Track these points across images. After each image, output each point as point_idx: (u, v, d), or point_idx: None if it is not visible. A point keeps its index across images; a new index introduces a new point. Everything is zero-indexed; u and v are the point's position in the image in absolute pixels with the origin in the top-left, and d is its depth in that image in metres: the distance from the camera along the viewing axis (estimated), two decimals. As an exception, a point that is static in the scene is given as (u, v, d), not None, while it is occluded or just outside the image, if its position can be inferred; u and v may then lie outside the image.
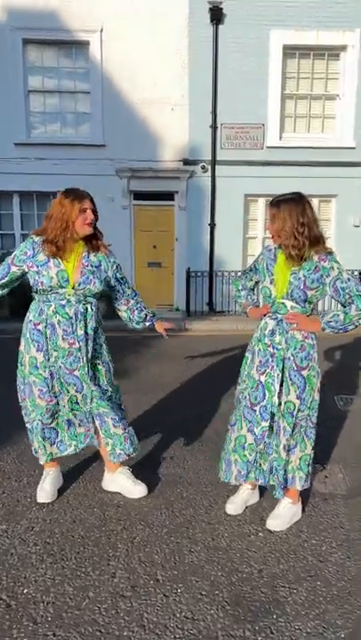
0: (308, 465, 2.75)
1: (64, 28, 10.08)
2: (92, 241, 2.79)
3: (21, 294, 11.12)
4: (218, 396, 5.01)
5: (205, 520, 2.83)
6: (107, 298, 3.06)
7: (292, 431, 2.65)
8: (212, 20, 10.05)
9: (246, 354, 2.81)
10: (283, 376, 2.62)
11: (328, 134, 10.88)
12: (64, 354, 2.70)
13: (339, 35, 10.27)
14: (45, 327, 2.70)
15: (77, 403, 2.81)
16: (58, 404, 2.81)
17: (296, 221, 2.48)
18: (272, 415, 2.64)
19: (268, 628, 2.05)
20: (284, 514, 2.78)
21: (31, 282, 2.72)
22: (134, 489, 3.03)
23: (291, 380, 2.61)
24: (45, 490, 3.00)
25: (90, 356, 2.76)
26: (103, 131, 10.47)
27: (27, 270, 2.71)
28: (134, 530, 2.73)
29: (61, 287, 2.66)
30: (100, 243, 2.82)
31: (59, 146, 10.46)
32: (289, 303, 2.57)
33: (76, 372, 2.73)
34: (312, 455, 2.77)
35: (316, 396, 2.70)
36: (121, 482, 3.06)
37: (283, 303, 2.58)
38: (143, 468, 3.44)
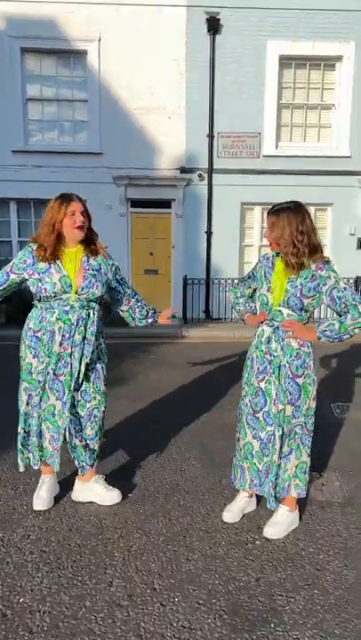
0: (305, 473, 2.75)
1: (62, 37, 10.15)
2: (90, 245, 2.80)
3: (19, 300, 11.12)
4: (215, 402, 5.00)
5: (203, 528, 2.82)
6: (104, 306, 3.05)
7: (287, 438, 2.66)
8: (209, 31, 10.15)
9: (247, 361, 2.82)
10: (279, 382, 2.63)
11: (324, 143, 10.96)
12: (56, 359, 2.70)
13: (334, 45, 10.38)
14: (44, 334, 2.70)
15: (53, 414, 2.76)
16: (39, 416, 2.81)
17: (295, 229, 2.50)
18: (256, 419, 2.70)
19: (266, 638, 2.04)
20: (282, 521, 2.77)
21: (33, 290, 2.72)
22: (107, 495, 3.01)
23: (285, 387, 2.63)
24: (42, 497, 2.98)
25: (83, 361, 2.74)
26: (101, 139, 10.51)
27: (27, 278, 2.71)
28: (131, 538, 2.72)
29: (65, 292, 2.66)
30: (98, 246, 2.83)
31: (56, 153, 10.50)
32: (285, 311, 2.58)
33: (62, 378, 2.73)
34: (309, 463, 2.77)
35: (312, 404, 2.71)
36: (96, 490, 3.02)
37: (279, 311, 2.60)
38: (139, 476, 3.43)
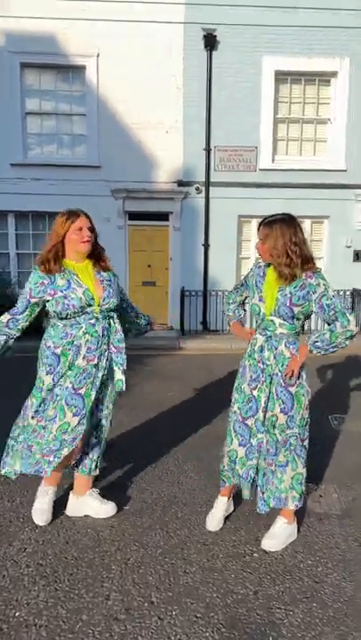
0: (301, 484, 2.75)
1: (61, 52, 10.26)
2: (100, 262, 2.82)
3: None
4: (212, 414, 4.99)
5: (200, 541, 2.81)
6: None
7: (283, 448, 2.68)
8: (205, 47, 10.28)
9: (239, 369, 2.84)
10: (269, 391, 2.66)
11: (320, 157, 11.06)
12: (77, 372, 2.70)
13: (329, 61, 10.53)
14: (69, 349, 2.68)
15: (65, 432, 2.71)
16: (45, 428, 2.76)
17: (289, 240, 2.53)
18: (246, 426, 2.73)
19: (264, 651, 2.03)
20: (280, 534, 2.76)
21: (58, 308, 2.65)
22: (101, 508, 2.99)
23: (277, 395, 2.65)
24: (45, 510, 2.92)
25: (120, 369, 2.85)
26: (99, 152, 10.59)
27: (48, 299, 2.66)
28: (128, 551, 2.70)
29: (89, 305, 2.68)
30: (107, 262, 2.85)
31: (55, 166, 10.56)
32: (277, 320, 2.61)
33: (81, 391, 2.72)
34: (305, 474, 2.77)
35: (306, 415, 2.73)
36: (91, 503, 3.00)
37: (272, 320, 2.63)
38: (136, 488, 3.42)
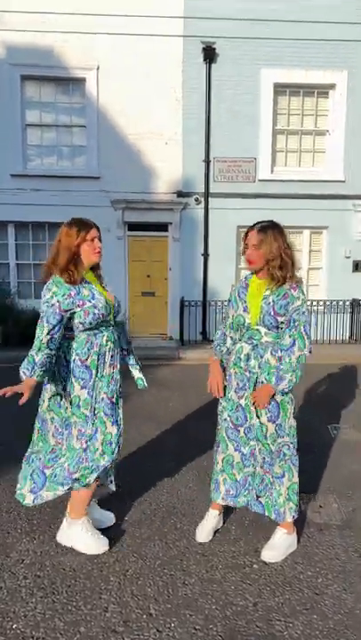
0: (296, 493, 2.77)
1: (61, 65, 10.37)
2: (98, 270, 2.84)
3: (14, 322, 11.10)
4: (211, 424, 4.97)
5: (199, 552, 2.78)
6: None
7: (277, 458, 2.70)
8: (205, 59, 10.39)
9: (225, 377, 2.84)
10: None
11: (319, 168, 11.13)
12: (107, 380, 2.72)
13: (327, 74, 10.64)
14: (97, 360, 2.67)
15: (110, 443, 2.70)
16: (87, 449, 2.68)
17: (283, 243, 2.63)
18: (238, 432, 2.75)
19: (264, 664, 2.00)
20: (280, 544, 2.74)
21: (88, 318, 2.61)
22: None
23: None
24: (102, 538, 2.80)
25: (136, 369, 2.98)
26: (98, 163, 10.66)
27: (76, 310, 2.60)
28: (127, 562, 2.68)
29: (109, 314, 2.72)
30: (101, 271, 2.87)
31: (55, 177, 10.62)
32: (263, 329, 2.65)
33: (114, 399, 2.76)
34: (298, 482, 2.77)
35: (293, 423, 2.75)
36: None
37: (257, 330, 2.66)
38: (135, 499, 3.40)
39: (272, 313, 2.60)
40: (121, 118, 10.52)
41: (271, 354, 2.64)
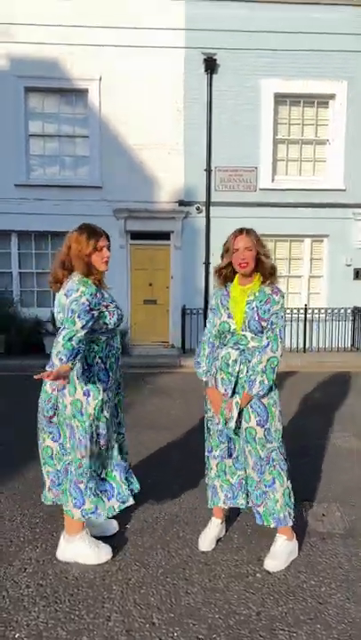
0: (291, 497, 2.78)
1: (64, 76, 10.47)
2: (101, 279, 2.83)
3: (17, 331, 11.12)
4: (214, 433, 4.97)
5: (202, 560, 2.78)
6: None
7: (267, 465, 2.71)
8: (206, 70, 10.49)
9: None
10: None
11: (319, 177, 11.19)
12: (119, 383, 2.84)
13: (327, 84, 10.73)
14: (114, 362, 2.75)
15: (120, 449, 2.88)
16: (108, 449, 2.75)
17: (261, 242, 2.76)
18: (230, 439, 2.76)
19: (268, 673, 1.99)
20: (281, 552, 2.74)
21: (114, 319, 2.67)
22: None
23: (251, 407, 2.70)
24: (103, 545, 2.79)
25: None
26: (101, 173, 10.73)
27: (103, 310, 2.63)
28: (129, 570, 2.67)
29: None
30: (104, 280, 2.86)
31: (57, 187, 10.70)
32: (249, 335, 2.68)
33: (115, 401, 2.84)
34: (290, 485, 2.78)
35: (279, 426, 2.77)
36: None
37: (244, 335, 2.69)
38: (137, 507, 3.39)
39: (257, 318, 2.65)
40: (123, 128, 10.61)
41: (258, 355, 2.68)
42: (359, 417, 5.74)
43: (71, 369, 2.45)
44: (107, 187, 10.69)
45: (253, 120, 10.71)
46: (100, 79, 10.47)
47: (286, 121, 11.05)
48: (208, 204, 10.80)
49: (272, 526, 2.74)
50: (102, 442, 2.71)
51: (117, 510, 2.77)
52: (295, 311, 10.75)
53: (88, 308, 2.53)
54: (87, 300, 2.55)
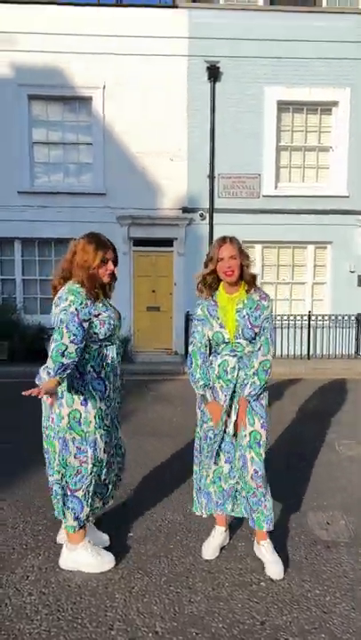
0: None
1: (68, 84, 10.55)
2: (107, 290, 2.81)
3: (20, 337, 11.12)
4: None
5: (206, 569, 2.76)
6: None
7: (265, 474, 2.72)
8: (209, 78, 10.55)
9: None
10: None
11: (322, 184, 11.21)
12: (119, 392, 2.82)
13: (330, 91, 10.77)
14: (110, 371, 2.70)
15: (120, 447, 2.91)
16: (112, 455, 2.77)
17: (244, 251, 2.79)
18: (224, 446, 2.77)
19: None
20: (276, 555, 2.75)
21: (104, 329, 2.62)
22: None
23: (253, 409, 2.72)
24: (106, 552, 2.77)
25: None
26: (104, 180, 10.78)
27: (93, 320, 2.59)
28: (132, 579, 2.65)
29: (117, 328, 2.76)
30: (112, 292, 2.85)
31: (61, 194, 10.74)
32: (244, 342, 2.70)
33: (116, 409, 2.86)
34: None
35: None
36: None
37: (239, 342, 2.70)
38: (140, 515, 3.37)
39: (249, 326, 2.67)
40: (126, 136, 10.67)
41: (252, 359, 2.72)
42: (363, 424, 5.71)
43: (59, 383, 2.45)
44: (110, 194, 10.73)
45: (256, 127, 10.75)
46: (104, 87, 10.55)
47: (289, 128, 11.09)
48: (211, 210, 10.83)
49: (264, 530, 2.73)
50: (107, 449, 2.71)
51: (99, 510, 2.82)
52: (299, 318, 10.74)
53: (77, 318, 2.52)
54: (76, 309, 2.53)
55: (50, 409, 2.68)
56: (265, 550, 2.75)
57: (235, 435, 2.74)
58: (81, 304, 2.55)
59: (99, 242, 2.67)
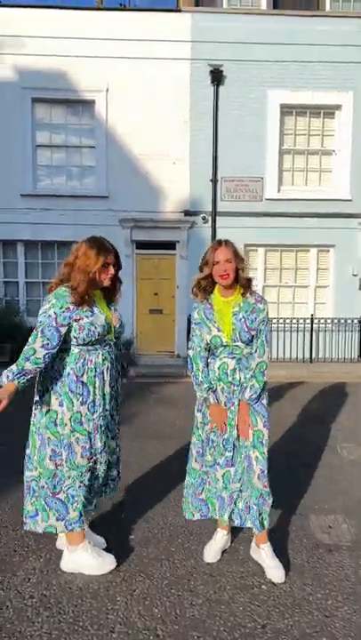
0: None
1: (71, 88, 10.59)
2: (112, 294, 2.80)
3: (23, 339, 11.19)
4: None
5: (207, 572, 2.75)
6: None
7: (268, 473, 2.73)
8: (212, 82, 10.57)
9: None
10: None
11: (325, 187, 11.20)
12: (109, 399, 2.73)
13: (333, 95, 10.78)
14: (94, 377, 2.65)
15: (114, 453, 2.85)
16: (96, 462, 2.70)
17: (239, 254, 2.79)
18: (234, 446, 2.75)
19: None
20: (277, 559, 2.73)
21: (82, 334, 2.58)
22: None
23: (255, 409, 2.73)
24: (107, 554, 2.75)
25: (120, 397, 2.90)
26: (107, 183, 10.81)
27: (72, 324, 2.57)
28: (134, 581, 2.65)
29: (108, 333, 2.70)
30: (117, 296, 2.83)
31: (64, 197, 10.77)
32: (241, 344, 2.71)
33: (113, 416, 2.81)
34: None
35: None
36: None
37: (237, 345, 2.71)
38: (142, 518, 3.37)
39: (246, 329, 2.68)
40: (129, 139, 10.70)
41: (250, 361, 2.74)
42: (366, 427, 5.70)
43: (17, 389, 2.45)
44: (113, 196, 10.76)
45: (259, 131, 10.77)
46: (107, 90, 10.58)
47: (292, 131, 11.10)
48: (214, 213, 10.84)
49: (266, 529, 2.74)
50: (87, 455, 2.64)
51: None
52: (301, 321, 10.74)
53: (54, 322, 2.52)
54: (55, 312, 2.54)
55: (37, 405, 2.69)
56: (265, 554, 2.74)
57: (238, 437, 2.74)
58: (61, 308, 2.55)
59: (100, 246, 2.66)
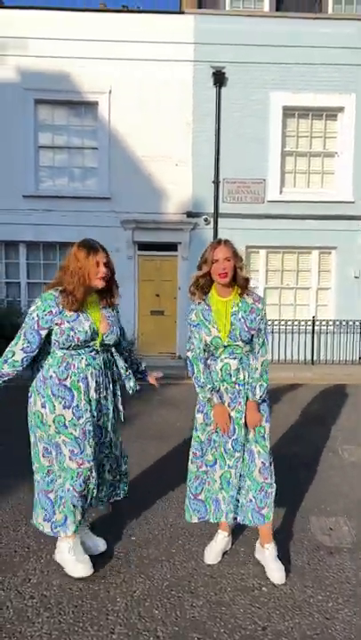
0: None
1: (74, 89, 10.61)
2: (108, 297, 2.77)
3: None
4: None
5: (208, 573, 2.75)
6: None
7: (270, 466, 2.76)
8: (215, 83, 10.59)
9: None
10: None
11: (327, 189, 11.21)
12: (95, 404, 2.68)
13: (335, 97, 10.79)
14: (78, 381, 2.62)
15: (101, 465, 2.79)
16: (91, 469, 2.64)
17: (238, 254, 2.80)
18: (243, 446, 2.76)
19: None
20: (279, 561, 2.73)
21: (61, 338, 2.56)
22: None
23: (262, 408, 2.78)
24: (85, 560, 2.69)
25: (118, 401, 2.83)
26: (109, 184, 10.82)
27: (54, 327, 2.57)
28: (134, 583, 2.65)
29: (93, 339, 2.64)
30: (114, 299, 2.80)
31: (66, 198, 10.79)
32: (241, 344, 2.71)
33: (100, 422, 2.73)
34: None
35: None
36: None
37: (237, 345, 2.71)
38: (142, 519, 3.37)
39: (246, 329, 2.68)
40: (131, 140, 10.71)
41: (252, 361, 2.75)
42: (367, 430, 5.69)
43: None
44: (115, 198, 10.77)
45: (262, 133, 10.78)
46: (110, 92, 10.60)
47: (295, 133, 11.11)
48: (216, 215, 10.85)
49: (270, 520, 2.73)
50: (77, 460, 2.60)
51: (80, 523, 2.70)
52: (303, 323, 10.73)
53: (36, 325, 2.55)
54: (37, 315, 2.56)
55: (29, 405, 2.71)
56: (268, 554, 2.74)
57: (245, 437, 2.75)
58: (44, 311, 2.56)
59: (90, 247, 2.65)
